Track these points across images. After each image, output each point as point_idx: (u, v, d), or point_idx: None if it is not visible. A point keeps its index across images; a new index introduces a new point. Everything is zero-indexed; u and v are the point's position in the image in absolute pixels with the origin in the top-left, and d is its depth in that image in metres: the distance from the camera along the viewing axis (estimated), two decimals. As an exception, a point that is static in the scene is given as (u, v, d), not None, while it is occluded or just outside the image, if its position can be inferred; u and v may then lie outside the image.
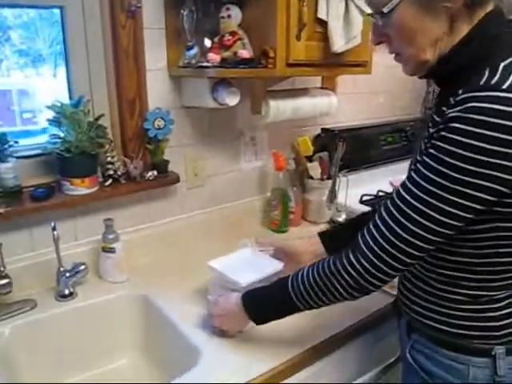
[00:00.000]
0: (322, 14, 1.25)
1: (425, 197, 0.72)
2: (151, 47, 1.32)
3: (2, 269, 1.12)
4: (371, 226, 0.81)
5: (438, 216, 0.72)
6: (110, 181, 1.30)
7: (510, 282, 0.81)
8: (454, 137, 0.68)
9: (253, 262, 1.19)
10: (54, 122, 1.21)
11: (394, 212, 0.76)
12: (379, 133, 2.05)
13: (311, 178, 1.72)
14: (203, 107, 1.39)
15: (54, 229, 1.14)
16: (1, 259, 1.12)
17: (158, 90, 1.37)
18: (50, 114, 1.21)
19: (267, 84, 1.48)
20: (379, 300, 1.16)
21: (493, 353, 0.83)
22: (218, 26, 1.28)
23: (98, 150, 1.26)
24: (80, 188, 1.23)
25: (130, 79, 1.30)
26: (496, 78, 0.68)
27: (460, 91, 0.70)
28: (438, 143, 0.71)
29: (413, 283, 0.92)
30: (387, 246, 0.77)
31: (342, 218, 1.69)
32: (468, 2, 0.72)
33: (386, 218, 0.78)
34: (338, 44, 1.29)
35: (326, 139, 1.82)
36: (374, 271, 0.79)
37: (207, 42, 1.30)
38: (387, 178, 1.95)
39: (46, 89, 1.36)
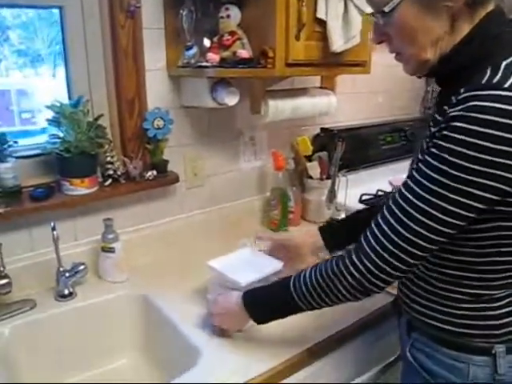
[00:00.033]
0: (321, 14, 1.25)
1: (427, 196, 0.72)
2: (150, 47, 1.32)
3: (2, 269, 1.12)
4: (373, 226, 0.80)
5: (440, 215, 0.72)
6: (109, 181, 1.30)
7: (510, 280, 0.81)
8: (456, 136, 0.68)
9: (252, 261, 1.19)
10: (54, 121, 1.21)
11: (397, 211, 0.76)
12: (378, 132, 2.05)
13: (310, 177, 1.73)
14: (202, 107, 1.39)
15: (53, 229, 1.14)
16: (0, 259, 1.11)
17: (157, 90, 1.37)
18: (49, 114, 1.21)
19: (266, 84, 1.48)
20: (379, 299, 1.16)
21: (493, 351, 0.83)
22: (217, 25, 1.28)
23: (97, 149, 1.26)
24: (79, 188, 1.23)
25: (129, 79, 1.30)
26: (498, 77, 0.68)
27: (462, 90, 0.70)
28: (440, 142, 0.71)
29: (414, 282, 0.92)
30: (390, 246, 0.77)
31: (341, 217, 1.69)
32: (469, 2, 0.72)
33: (389, 217, 0.77)
34: (337, 44, 1.29)
35: (326, 139, 1.82)
36: (377, 272, 0.79)
37: (206, 42, 1.30)
38: (386, 177, 1.95)
39: (44, 89, 1.36)
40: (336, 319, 1.11)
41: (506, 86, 0.66)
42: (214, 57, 1.24)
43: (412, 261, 0.77)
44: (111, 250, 1.27)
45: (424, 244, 0.75)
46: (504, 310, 0.83)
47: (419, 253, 0.76)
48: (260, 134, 1.68)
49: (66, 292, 1.21)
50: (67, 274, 1.20)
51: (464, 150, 0.67)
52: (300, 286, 0.89)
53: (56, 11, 1.26)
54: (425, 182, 0.73)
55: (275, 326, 0.98)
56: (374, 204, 1.24)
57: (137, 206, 1.41)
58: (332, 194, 1.69)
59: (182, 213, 1.52)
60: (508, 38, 0.75)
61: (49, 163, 1.27)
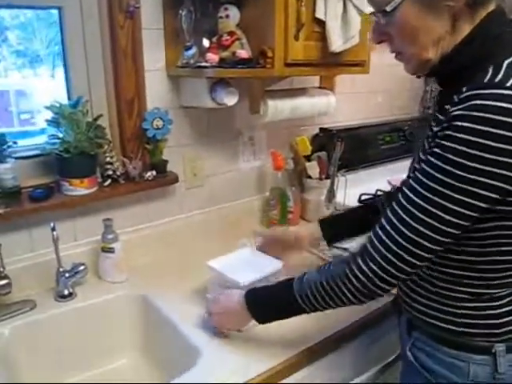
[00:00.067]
0: (320, 14, 1.25)
1: (430, 196, 0.72)
2: (149, 47, 1.32)
3: (2, 269, 1.11)
4: (377, 229, 0.80)
5: (443, 215, 0.72)
6: (108, 181, 1.30)
7: (511, 280, 0.82)
8: (459, 135, 0.68)
9: (252, 261, 1.19)
10: (53, 122, 1.21)
11: (400, 212, 0.76)
12: (377, 132, 2.05)
13: (310, 177, 1.73)
14: (201, 107, 1.39)
15: (53, 229, 1.14)
16: (0, 260, 1.11)
17: (156, 90, 1.37)
18: (49, 115, 1.21)
19: (265, 84, 1.48)
20: (379, 298, 1.16)
21: (493, 350, 0.83)
22: (217, 26, 1.28)
23: (96, 150, 1.26)
24: (79, 188, 1.23)
25: (128, 79, 1.30)
26: (500, 76, 0.68)
27: (464, 89, 0.70)
28: (443, 142, 0.71)
29: (414, 281, 0.92)
30: (394, 248, 0.76)
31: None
32: (470, 2, 0.72)
33: (392, 218, 0.77)
34: (336, 44, 1.29)
35: (325, 139, 1.82)
36: (381, 274, 0.79)
37: (205, 42, 1.30)
38: (385, 177, 1.95)
39: (43, 89, 1.36)
40: (336, 319, 1.11)
41: (508, 84, 0.67)
42: (213, 57, 1.24)
43: (416, 262, 0.77)
44: (111, 251, 1.27)
45: (428, 245, 0.74)
46: (505, 309, 0.83)
47: (423, 254, 0.75)
48: (259, 133, 1.68)
49: (66, 292, 1.21)
50: (67, 275, 1.20)
51: (466, 149, 0.67)
52: (303, 289, 0.88)
53: (54, 12, 1.26)
54: (428, 182, 0.73)
55: (275, 326, 0.98)
56: (375, 201, 1.24)
57: (136, 206, 1.41)
58: (331, 194, 1.69)
59: (181, 213, 1.52)
60: (509, 38, 0.75)
61: (48, 164, 1.27)
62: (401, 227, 0.76)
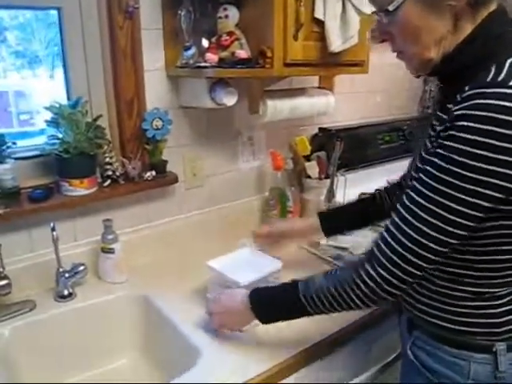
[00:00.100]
0: (319, 14, 1.25)
1: (435, 196, 0.72)
2: (149, 48, 1.32)
3: (1, 270, 1.12)
4: (384, 232, 0.80)
5: (447, 215, 0.71)
6: (108, 181, 1.30)
7: (511, 279, 0.82)
8: (462, 135, 0.68)
9: (252, 261, 1.20)
10: (52, 122, 1.21)
11: (405, 214, 0.76)
12: (376, 132, 2.05)
13: (309, 177, 1.73)
14: (201, 107, 1.39)
15: (53, 229, 1.14)
16: (0, 260, 1.11)
17: (155, 91, 1.37)
18: (48, 116, 1.21)
19: (265, 84, 1.48)
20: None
21: (494, 349, 0.83)
22: (216, 26, 1.28)
23: (96, 150, 1.26)
24: (79, 189, 1.23)
25: (127, 80, 1.30)
26: (503, 75, 0.68)
27: (466, 88, 0.70)
28: (446, 142, 0.71)
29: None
30: (400, 250, 0.76)
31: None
32: (472, 2, 0.73)
33: (397, 220, 0.77)
34: (335, 44, 1.29)
35: (324, 138, 1.82)
36: (389, 278, 0.78)
37: (205, 43, 1.30)
38: (385, 176, 1.93)
39: (42, 90, 1.36)
40: (335, 319, 1.10)
41: (511, 83, 0.67)
42: (212, 57, 1.24)
43: (422, 264, 0.76)
44: (111, 251, 1.27)
45: (433, 246, 0.74)
46: (505, 308, 0.83)
47: (429, 255, 0.75)
48: (258, 133, 1.68)
49: (66, 293, 1.21)
50: (67, 275, 1.21)
51: (470, 149, 0.67)
52: (310, 293, 0.88)
53: (53, 12, 1.26)
54: (432, 183, 0.73)
55: (274, 327, 0.98)
56: (374, 195, 1.25)
57: (136, 206, 1.41)
58: (331, 194, 1.69)
59: (181, 213, 1.52)
60: (511, 37, 0.75)
61: (47, 164, 1.27)
62: (405, 228, 0.75)
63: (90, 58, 1.29)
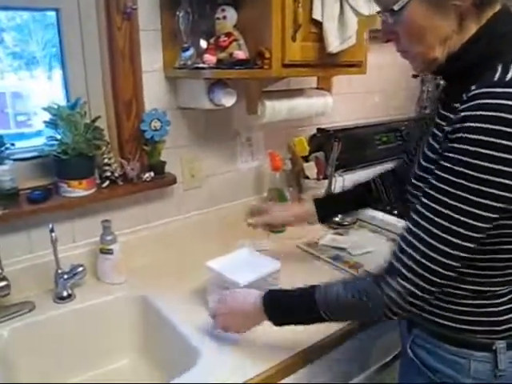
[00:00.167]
0: (316, 15, 1.26)
1: (450, 201, 0.71)
2: (147, 49, 1.32)
3: (0, 271, 1.11)
4: (401, 242, 0.78)
5: (464, 219, 0.70)
6: (107, 182, 1.30)
7: (511, 277, 0.82)
8: (471, 136, 0.68)
9: (251, 261, 1.20)
10: (51, 124, 1.21)
11: (421, 221, 0.75)
12: (374, 132, 2.06)
13: (307, 177, 1.73)
14: (199, 108, 1.40)
15: (51, 231, 1.14)
16: (-1, 261, 1.12)
17: (154, 92, 1.37)
18: (45, 117, 1.21)
19: (263, 85, 1.49)
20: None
21: (494, 347, 0.83)
22: (214, 27, 1.29)
23: (94, 151, 1.26)
24: (77, 190, 1.23)
25: (126, 81, 1.30)
26: (510, 74, 0.68)
27: (473, 87, 0.70)
28: (455, 145, 0.71)
29: None
30: (422, 260, 0.74)
31: (338, 217, 1.70)
32: (477, 2, 0.73)
33: (416, 231, 0.75)
34: (333, 44, 1.30)
35: (322, 139, 1.83)
36: (414, 290, 0.76)
37: (203, 43, 1.30)
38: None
39: (40, 91, 1.36)
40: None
41: None
42: (210, 58, 1.24)
43: (445, 272, 0.75)
44: (109, 252, 1.27)
45: (455, 252, 0.73)
46: (506, 307, 0.83)
47: (452, 262, 0.74)
48: (257, 134, 1.69)
49: (65, 294, 1.21)
50: (66, 276, 1.20)
51: (479, 150, 0.67)
52: (327, 300, 0.86)
53: (51, 13, 1.26)
54: (445, 188, 0.72)
55: (273, 327, 0.98)
56: (369, 181, 1.27)
57: (134, 207, 1.41)
58: (329, 194, 1.69)
59: (179, 214, 1.52)
60: None
61: (46, 165, 1.27)
62: (425, 237, 0.74)
63: (89, 59, 1.29)
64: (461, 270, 0.81)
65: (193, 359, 0.99)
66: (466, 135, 0.69)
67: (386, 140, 2.10)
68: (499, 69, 0.70)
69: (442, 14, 0.74)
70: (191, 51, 1.28)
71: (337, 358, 1.12)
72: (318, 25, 1.28)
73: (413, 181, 0.86)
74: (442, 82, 1.90)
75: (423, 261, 0.74)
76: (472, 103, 0.69)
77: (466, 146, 0.69)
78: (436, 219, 0.73)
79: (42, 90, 1.36)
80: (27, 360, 1.12)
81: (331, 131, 1.85)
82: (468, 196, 0.69)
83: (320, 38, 1.29)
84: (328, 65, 1.38)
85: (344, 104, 1.95)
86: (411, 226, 0.77)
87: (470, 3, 0.73)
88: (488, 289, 0.83)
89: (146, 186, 1.36)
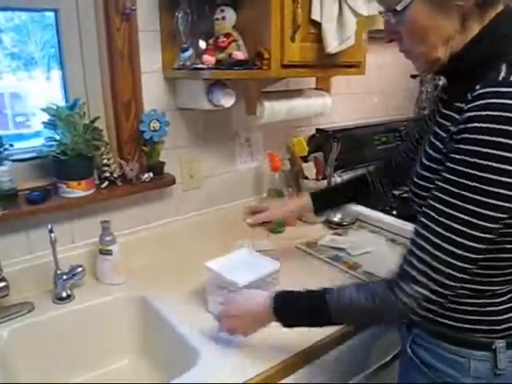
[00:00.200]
0: (315, 16, 1.26)
1: (459, 203, 0.71)
2: (146, 49, 1.32)
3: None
4: (413, 247, 0.77)
5: (473, 220, 0.70)
6: (106, 183, 1.30)
7: (511, 277, 0.82)
8: (477, 136, 0.68)
9: (250, 262, 1.20)
10: (50, 124, 1.21)
11: (430, 224, 0.74)
12: (373, 133, 2.06)
13: (306, 178, 1.73)
14: (198, 109, 1.40)
15: (50, 231, 1.14)
16: (-2, 262, 1.12)
17: (153, 92, 1.37)
18: (44, 118, 1.21)
19: (262, 85, 1.49)
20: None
21: (493, 346, 0.84)
22: (213, 27, 1.29)
23: (93, 152, 1.26)
24: (76, 190, 1.23)
25: (125, 81, 1.30)
26: None
27: (477, 86, 0.70)
28: (461, 145, 0.70)
29: None
30: (436, 264, 0.73)
31: (337, 217, 1.70)
32: (479, 2, 0.73)
33: (427, 234, 0.75)
34: (332, 45, 1.30)
35: (321, 139, 1.83)
36: (428, 294, 0.75)
37: (202, 44, 1.30)
38: (381, 177, 1.96)
39: (38, 92, 1.36)
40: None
41: None
42: (209, 59, 1.24)
43: (457, 274, 0.74)
44: (109, 253, 1.27)
45: (466, 254, 0.72)
46: (506, 306, 0.84)
47: (465, 265, 0.73)
48: (256, 135, 1.69)
49: (64, 295, 1.21)
50: (65, 277, 1.20)
51: (486, 150, 0.67)
52: (339, 304, 0.85)
53: (49, 14, 1.26)
54: (452, 189, 0.72)
55: (274, 327, 0.98)
56: (364, 174, 1.28)
57: (133, 208, 1.41)
58: (328, 195, 1.69)
59: (178, 215, 1.52)
60: None
61: (45, 166, 1.27)
62: (437, 241, 0.73)
63: (87, 59, 1.29)
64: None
65: (192, 359, 0.99)
66: (471, 136, 0.69)
67: (385, 140, 2.10)
68: (503, 68, 0.70)
69: (444, 14, 0.74)
70: (190, 52, 1.28)
71: (337, 358, 1.12)
72: (317, 25, 1.28)
73: (415, 179, 0.86)
74: (440, 83, 1.90)
75: (434, 264, 0.74)
76: (477, 103, 0.69)
77: (472, 147, 0.69)
78: (445, 221, 0.73)
79: (41, 91, 1.36)
80: (27, 361, 1.12)
81: (330, 132, 1.85)
82: (476, 197, 0.69)
83: (319, 39, 1.29)
84: (327, 65, 1.38)
85: (343, 104, 1.96)
86: (420, 230, 0.76)
87: (472, 3, 0.73)
88: (488, 288, 0.83)
89: (145, 186, 1.36)
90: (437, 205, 0.74)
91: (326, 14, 1.27)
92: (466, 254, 0.72)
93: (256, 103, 1.43)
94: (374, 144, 2.05)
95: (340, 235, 1.62)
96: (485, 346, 0.84)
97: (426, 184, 0.82)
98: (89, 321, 1.20)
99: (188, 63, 1.28)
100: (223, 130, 1.59)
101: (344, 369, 1.17)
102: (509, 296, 0.84)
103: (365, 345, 1.19)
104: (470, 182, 0.69)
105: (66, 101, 1.29)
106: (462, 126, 0.71)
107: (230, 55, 1.24)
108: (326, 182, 1.70)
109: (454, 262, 0.73)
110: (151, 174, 1.36)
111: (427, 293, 0.76)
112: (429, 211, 0.76)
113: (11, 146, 1.18)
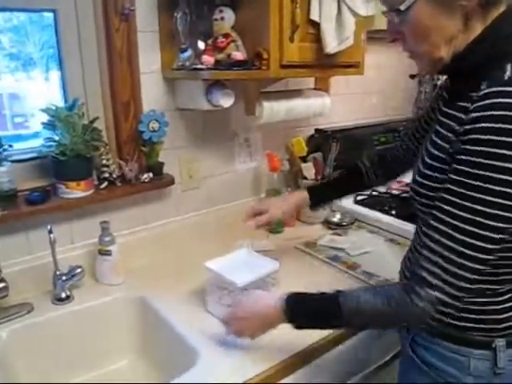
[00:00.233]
0: (314, 16, 1.26)
1: (467, 204, 0.71)
2: (145, 50, 1.32)
3: (-1, 272, 1.12)
4: (425, 251, 0.77)
5: (484, 221, 0.70)
6: (105, 183, 1.30)
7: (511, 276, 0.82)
8: (485, 137, 0.68)
9: (249, 262, 1.20)
10: (49, 125, 1.21)
11: (442, 228, 0.74)
12: (372, 133, 2.06)
13: (305, 178, 1.73)
14: (197, 109, 1.40)
15: (50, 232, 1.14)
16: (-3, 263, 1.12)
17: (152, 93, 1.37)
18: (43, 118, 1.21)
19: (261, 85, 1.49)
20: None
21: (493, 345, 0.84)
22: (212, 28, 1.29)
23: (93, 152, 1.26)
24: (75, 191, 1.23)
25: (124, 82, 1.30)
26: None
27: (483, 86, 0.70)
28: (468, 146, 0.70)
29: None
30: (451, 268, 0.73)
31: (336, 218, 1.70)
32: (482, 2, 0.73)
33: (440, 238, 0.74)
34: (331, 45, 1.30)
35: (320, 140, 1.83)
36: (445, 298, 0.75)
37: (201, 45, 1.30)
38: (380, 177, 1.96)
39: (37, 92, 1.36)
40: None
41: None
42: (208, 59, 1.24)
43: (470, 275, 0.74)
44: (108, 253, 1.27)
45: (481, 256, 0.72)
46: (506, 305, 0.84)
47: (478, 266, 0.73)
48: (255, 135, 1.69)
49: (63, 295, 1.21)
50: (64, 278, 1.20)
51: (494, 150, 0.67)
52: (354, 307, 0.84)
53: (48, 15, 1.26)
54: (462, 191, 0.71)
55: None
56: (359, 166, 1.31)
57: (133, 208, 1.41)
58: (327, 195, 1.69)
59: (177, 215, 1.52)
60: None
61: (44, 167, 1.27)
62: (451, 244, 0.73)
63: (86, 60, 1.29)
64: None
65: (192, 359, 0.99)
66: (478, 136, 0.69)
67: (384, 140, 2.10)
68: (509, 68, 0.70)
69: (448, 14, 0.74)
70: (189, 52, 1.28)
71: (336, 358, 1.12)
72: (316, 25, 1.28)
73: (417, 178, 0.86)
74: (439, 83, 1.91)
75: (447, 266, 0.74)
76: (483, 103, 0.69)
77: (479, 147, 0.69)
78: (455, 223, 0.73)
79: (39, 92, 1.36)
80: (26, 361, 1.12)
81: (329, 132, 1.85)
82: (484, 197, 0.69)
83: (318, 39, 1.29)
84: (326, 65, 1.38)
85: (342, 105, 1.96)
86: (430, 232, 0.76)
87: (475, 3, 0.73)
88: (489, 287, 0.83)
89: (144, 186, 1.36)
90: (445, 206, 0.74)
91: (325, 14, 1.27)
92: (478, 255, 0.72)
93: (255, 103, 1.43)
94: (373, 144, 2.05)
95: (339, 235, 1.62)
96: (485, 344, 0.84)
97: (428, 183, 0.82)
98: (88, 321, 1.20)
99: (187, 64, 1.29)
100: (222, 130, 1.59)
101: (343, 369, 1.17)
102: (509, 295, 0.84)
103: (364, 344, 1.19)
104: (477, 183, 0.69)
105: (65, 101, 1.29)
106: (468, 127, 0.71)
107: (228, 55, 1.24)
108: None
109: (466, 263, 0.73)
110: (150, 175, 1.36)
111: (442, 296, 0.75)
112: (437, 213, 0.76)
113: (10, 146, 1.18)
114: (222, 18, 1.26)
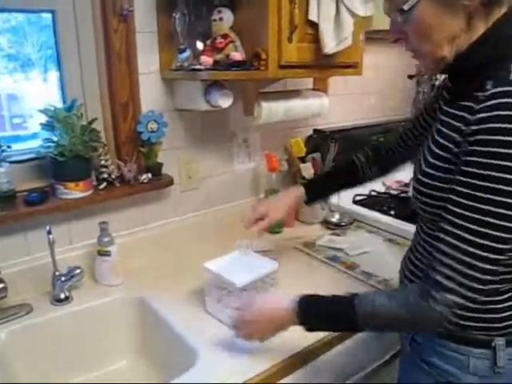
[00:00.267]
0: (312, 16, 1.26)
1: (477, 205, 0.71)
2: (143, 51, 1.32)
3: (-3, 274, 1.11)
4: (439, 255, 0.77)
5: (495, 221, 0.70)
6: (104, 184, 1.30)
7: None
8: (492, 137, 0.68)
9: (248, 262, 1.20)
10: (47, 126, 1.21)
11: (454, 230, 0.74)
12: (371, 133, 2.06)
13: (304, 178, 1.73)
14: (196, 110, 1.40)
15: (48, 233, 1.14)
16: (-4, 264, 1.12)
17: (150, 93, 1.37)
18: (41, 119, 1.21)
19: (259, 86, 1.49)
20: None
21: (493, 344, 0.84)
22: (210, 28, 1.29)
23: (91, 153, 1.26)
24: (74, 192, 1.23)
25: (122, 83, 1.30)
26: None
27: (488, 86, 0.71)
28: (475, 147, 0.71)
29: (416, 275, 0.92)
30: (467, 270, 0.73)
31: (335, 218, 1.70)
32: (485, 1, 0.73)
33: (454, 241, 0.74)
34: (329, 46, 1.30)
35: (319, 140, 1.83)
36: (462, 302, 0.75)
37: (199, 45, 1.30)
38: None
39: (35, 93, 1.36)
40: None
41: None
42: (207, 59, 1.24)
43: (484, 277, 0.73)
44: (107, 254, 1.27)
45: (489, 255, 0.72)
46: (507, 304, 0.84)
47: (487, 266, 0.73)
48: (253, 135, 1.69)
49: (62, 296, 1.21)
50: (63, 278, 1.20)
51: (502, 150, 0.67)
52: (369, 310, 0.83)
53: (46, 16, 1.26)
54: (471, 192, 0.71)
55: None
56: (354, 161, 1.31)
57: (131, 209, 1.41)
58: (325, 195, 1.69)
59: (176, 215, 1.53)
60: None
61: (43, 167, 1.27)
62: (456, 243, 0.73)
63: (85, 61, 1.29)
64: None
65: (191, 360, 0.99)
66: (485, 136, 0.69)
67: (383, 141, 2.09)
68: None
69: (451, 14, 0.75)
70: (188, 53, 1.28)
71: (336, 358, 1.12)
72: (314, 26, 1.28)
73: (419, 176, 0.86)
74: (437, 83, 1.91)
75: (461, 268, 0.74)
76: (489, 103, 0.69)
77: (486, 148, 0.69)
78: (466, 224, 0.72)
79: (38, 92, 1.35)
80: (25, 362, 1.12)
81: (328, 132, 1.85)
82: (495, 198, 0.69)
83: (316, 39, 1.30)
84: (324, 66, 1.38)
85: (340, 105, 1.96)
86: (443, 236, 0.76)
87: (478, 3, 0.73)
88: (489, 286, 0.83)
89: (142, 187, 1.36)
90: (455, 209, 0.74)
91: (323, 15, 1.27)
92: (490, 255, 0.72)
93: (253, 104, 1.43)
94: (371, 144, 2.05)
95: (338, 235, 1.62)
96: (484, 343, 0.85)
97: (431, 182, 0.82)
98: (87, 322, 1.20)
99: (185, 64, 1.29)
100: (221, 130, 1.59)
101: (343, 368, 1.17)
102: (509, 294, 0.84)
103: (364, 344, 1.19)
104: (486, 183, 0.69)
105: (64, 102, 1.29)
106: (474, 127, 0.71)
107: (227, 56, 1.24)
108: (323, 182, 1.70)
109: (479, 264, 0.72)
110: (149, 175, 1.36)
111: (458, 299, 0.75)
112: (448, 216, 0.75)
113: (9, 147, 1.18)
114: (221, 19, 1.26)
